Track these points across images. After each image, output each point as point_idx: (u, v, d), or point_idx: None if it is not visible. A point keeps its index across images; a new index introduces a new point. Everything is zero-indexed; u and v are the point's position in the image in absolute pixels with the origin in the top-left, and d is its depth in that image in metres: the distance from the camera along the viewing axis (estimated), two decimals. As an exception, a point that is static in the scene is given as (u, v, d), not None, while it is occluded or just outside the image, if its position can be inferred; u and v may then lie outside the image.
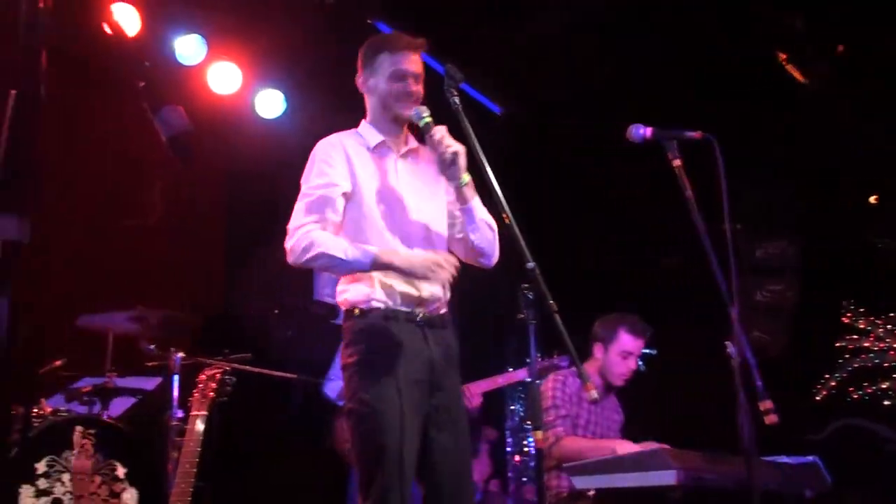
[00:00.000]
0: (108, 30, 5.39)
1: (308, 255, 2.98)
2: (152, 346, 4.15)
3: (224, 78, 6.09)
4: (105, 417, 4.12)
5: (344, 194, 3.11)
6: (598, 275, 6.41)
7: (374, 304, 3.03)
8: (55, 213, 5.25)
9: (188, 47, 5.84)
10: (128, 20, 5.45)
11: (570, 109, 6.26)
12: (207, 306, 6.26)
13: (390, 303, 3.04)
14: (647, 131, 3.27)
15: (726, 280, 2.99)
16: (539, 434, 2.65)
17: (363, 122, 3.32)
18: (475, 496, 6.05)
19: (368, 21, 5.83)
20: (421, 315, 3.06)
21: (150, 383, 4.69)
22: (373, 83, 3.25)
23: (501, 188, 2.91)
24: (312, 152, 3.22)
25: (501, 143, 6.14)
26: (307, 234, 3.01)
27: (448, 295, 3.17)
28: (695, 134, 3.20)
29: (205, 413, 3.32)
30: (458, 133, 3.06)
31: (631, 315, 4.60)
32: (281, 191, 6.41)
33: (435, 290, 3.10)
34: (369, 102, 3.31)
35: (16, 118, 1.20)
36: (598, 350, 4.56)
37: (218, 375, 3.41)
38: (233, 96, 6.19)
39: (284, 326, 6.22)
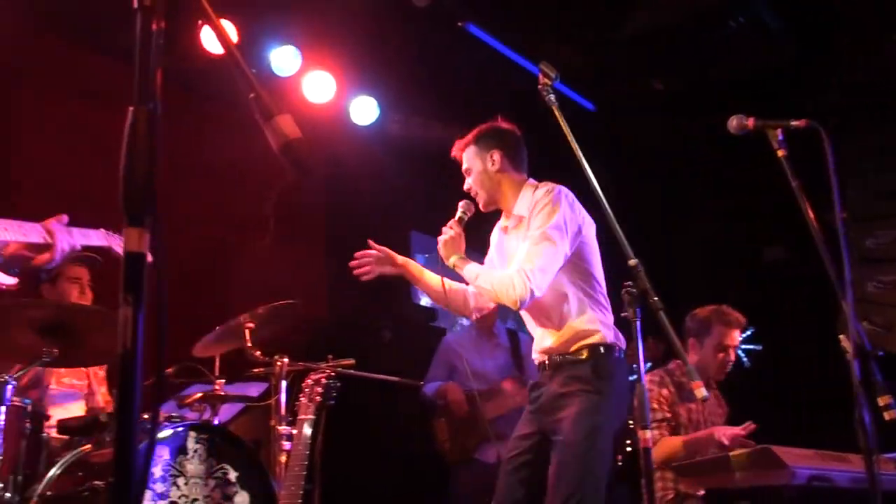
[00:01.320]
0: (212, 42, 5.52)
1: None
2: (258, 353, 4.22)
3: (318, 87, 6.19)
4: (215, 423, 4.23)
5: None
6: (700, 269, 6.27)
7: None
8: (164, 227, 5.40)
9: (283, 59, 5.96)
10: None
11: (666, 103, 6.16)
12: (310, 313, 6.38)
13: None
14: (750, 121, 3.19)
15: (838, 271, 2.89)
16: (647, 433, 2.60)
17: None
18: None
19: (459, 24, 5.85)
20: None
21: (256, 389, 4.79)
22: None
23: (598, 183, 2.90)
24: None
25: (596, 139, 6.10)
26: None
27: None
28: (799, 122, 3.11)
29: (312, 417, 3.38)
30: (554, 130, 3.05)
31: (725, 306, 4.49)
32: (377, 196, 6.56)
33: None
34: None
35: (133, 134, 1.23)
36: (692, 346, 4.45)
37: (323, 380, 3.46)
38: (327, 105, 6.29)
39: (383, 330, 6.29)
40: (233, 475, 3.64)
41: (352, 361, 4.53)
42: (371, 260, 3.62)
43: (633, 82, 6.20)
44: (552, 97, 3.09)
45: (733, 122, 3.22)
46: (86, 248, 2.96)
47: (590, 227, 3.46)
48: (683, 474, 3.73)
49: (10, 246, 2.58)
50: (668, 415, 4.28)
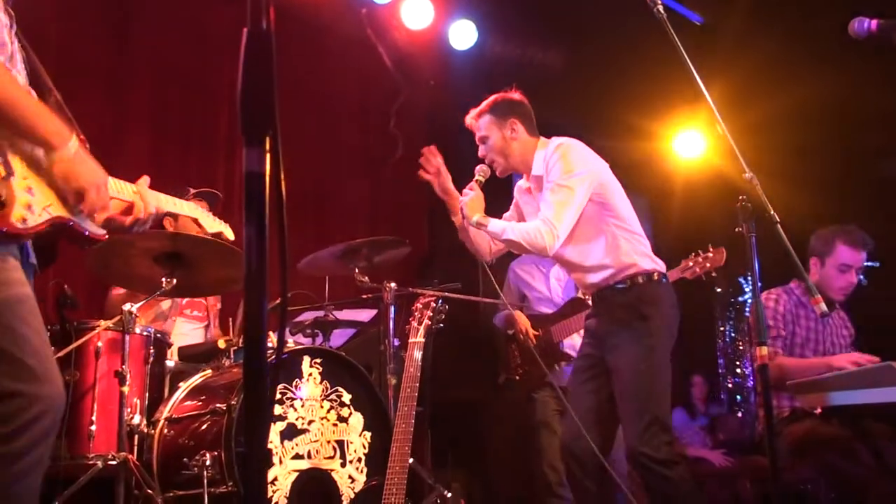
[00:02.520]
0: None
1: None
2: (366, 279, 4.29)
3: (416, 13, 6.14)
4: (328, 347, 4.33)
5: None
6: (818, 185, 6.03)
7: None
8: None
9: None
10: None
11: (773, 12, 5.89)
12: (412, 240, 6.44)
13: None
14: (873, 24, 3.01)
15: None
16: (764, 349, 2.55)
17: None
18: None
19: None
20: None
21: (366, 315, 4.89)
22: None
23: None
24: None
25: (704, 52, 5.89)
26: None
27: None
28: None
29: (422, 340, 3.42)
30: (664, 42, 2.96)
31: (849, 226, 4.33)
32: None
33: None
34: None
35: (250, 56, 1.24)
36: (814, 264, 4.33)
37: (432, 304, 3.49)
38: (425, 31, 6.25)
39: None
40: (346, 397, 3.73)
41: (458, 285, 4.57)
42: (435, 169, 3.74)
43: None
44: (660, 8, 2.98)
45: (853, 26, 3.05)
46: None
47: (604, 169, 3.65)
48: (800, 391, 3.66)
49: None
50: (783, 332, 4.20)
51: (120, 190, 2.48)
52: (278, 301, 4.28)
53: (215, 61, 5.76)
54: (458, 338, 4.91)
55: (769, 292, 4.33)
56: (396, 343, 4.38)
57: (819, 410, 3.71)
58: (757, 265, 2.66)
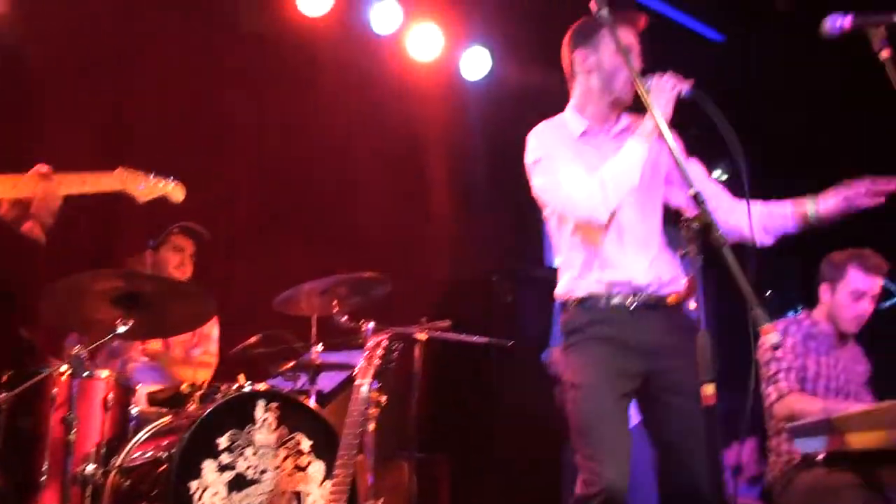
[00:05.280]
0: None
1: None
2: (345, 318, 4.07)
3: (424, 42, 5.92)
4: (312, 392, 4.12)
5: None
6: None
7: None
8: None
9: (383, 14, 5.74)
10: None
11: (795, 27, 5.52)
12: (433, 273, 6.21)
13: None
14: (846, 21, 2.70)
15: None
16: (709, 389, 2.23)
17: (569, 109, 3.20)
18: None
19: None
20: None
21: (359, 357, 4.64)
22: (594, 61, 3.08)
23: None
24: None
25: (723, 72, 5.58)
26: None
27: None
28: (909, 17, 2.61)
29: (369, 380, 3.17)
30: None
31: (863, 250, 3.95)
32: (496, 153, 6.26)
33: None
34: (585, 84, 3.14)
35: None
36: (824, 291, 3.97)
37: (384, 343, 3.24)
38: (435, 62, 6.03)
39: (506, 292, 6.01)
40: (306, 444, 3.49)
41: (447, 323, 4.30)
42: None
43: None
44: (604, 11, 2.72)
45: (825, 25, 2.75)
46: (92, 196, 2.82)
47: None
48: (798, 435, 3.28)
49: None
50: (796, 364, 3.82)
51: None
52: (249, 342, 4.09)
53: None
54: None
55: (776, 323, 3.96)
56: (376, 385, 4.12)
57: (821, 457, 3.32)
58: (701, 291, 2.35)
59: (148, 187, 2.89)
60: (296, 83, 5.69)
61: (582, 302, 3.03)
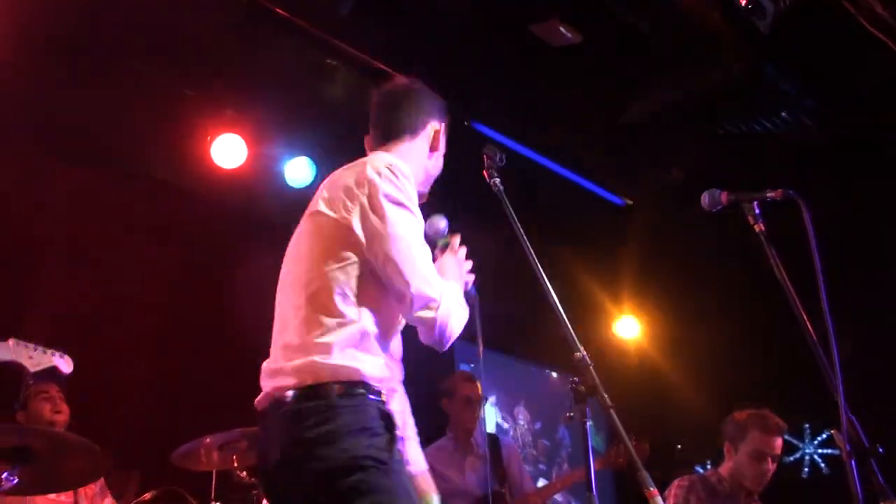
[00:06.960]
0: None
1: None
2: (244, 473, 3.98)
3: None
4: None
5: None
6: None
7: None
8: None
9: (297, 170, 5.89)
10: (234, 150, 5.58)
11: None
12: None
13: None
14: (723, 196, 2.91)
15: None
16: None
17: None
18: None
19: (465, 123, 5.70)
20: None
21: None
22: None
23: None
24: None
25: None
26: None
27: None
28: (775, 193, 2.82)
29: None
30: (501, 216, 2.82)
31: (764, 410, 4.08)
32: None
33: None
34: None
35: None
36: (728, 451, 4.05)
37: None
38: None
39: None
40: None
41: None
42: None
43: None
44: (497, 181, 2.86)
45: (705, 199, 2.95)
46: None
47: None
48: None
49: None
50: None
51: None
52: (144, 498, 3.93)
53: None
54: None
55: (682, 479, 4.03)
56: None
57: None
58: (591, 453, 2.40)
59: (37, 358, 2.89)
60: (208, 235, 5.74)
61: None
